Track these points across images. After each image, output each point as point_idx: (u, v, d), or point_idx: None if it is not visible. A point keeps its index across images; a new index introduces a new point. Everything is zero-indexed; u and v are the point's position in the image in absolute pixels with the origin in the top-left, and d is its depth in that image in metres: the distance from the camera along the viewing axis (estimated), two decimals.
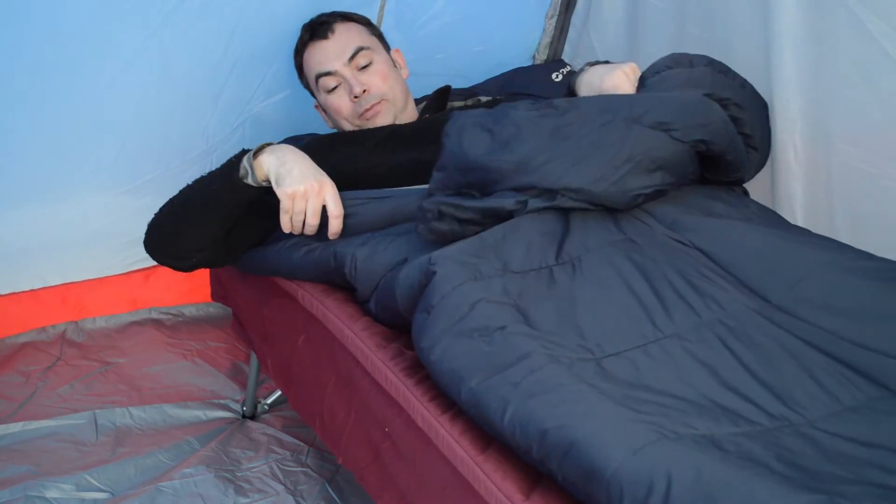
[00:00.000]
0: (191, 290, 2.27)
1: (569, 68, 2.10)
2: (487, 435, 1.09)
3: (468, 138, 1.30)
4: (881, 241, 1.45)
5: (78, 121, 1.81)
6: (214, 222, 1.51)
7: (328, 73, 1.67)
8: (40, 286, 2.10)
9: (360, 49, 1.66)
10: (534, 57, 2.25)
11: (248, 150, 1.46)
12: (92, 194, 1.96)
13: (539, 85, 1.91)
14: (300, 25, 1.82)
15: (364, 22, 1.75)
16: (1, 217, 1.90)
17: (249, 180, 1.44)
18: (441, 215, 1.27)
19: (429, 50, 1.79)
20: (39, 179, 1.88)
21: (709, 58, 1.50)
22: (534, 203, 1.27)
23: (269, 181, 1.44)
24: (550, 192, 1.27)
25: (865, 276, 1.17)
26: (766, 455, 0.91)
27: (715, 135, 1.33)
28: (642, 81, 1.48)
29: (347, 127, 1.69)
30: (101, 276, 2.15)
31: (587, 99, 1.36)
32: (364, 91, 1.64)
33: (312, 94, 1.78)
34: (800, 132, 1.60)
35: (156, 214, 1.58)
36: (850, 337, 1.09)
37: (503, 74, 2.09)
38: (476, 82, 2.07)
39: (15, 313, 2.09)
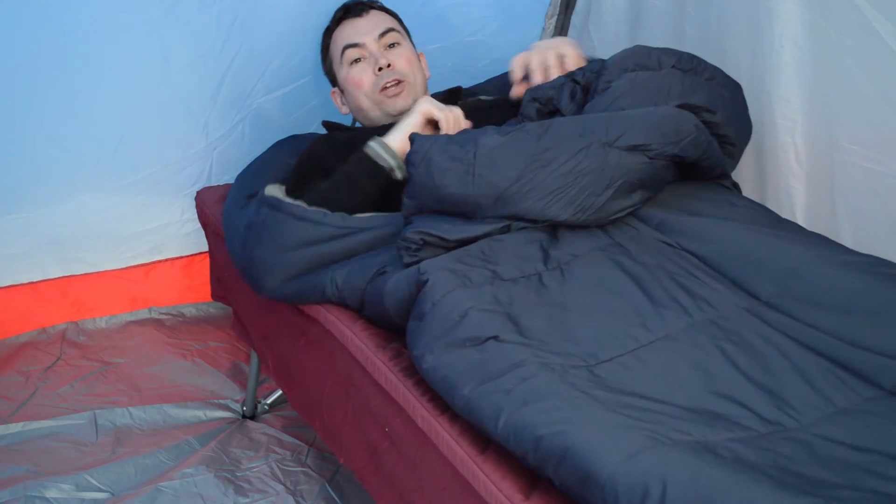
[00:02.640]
0: (190, 287, 2.27)
1: None
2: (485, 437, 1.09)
3: (438, 171, 1.28)
4: (885, 240, 1.45)
5: (77, 115, 1.81)
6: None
7: (356, 45, 1.70)
8: (40, 278, 2.10)
9: (390, 29, 1.72)
10: None
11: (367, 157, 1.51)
12: (91, 189, 1.96)
13: None
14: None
15: (397, 16, 1.80)
16: (1, 211, 1.90)
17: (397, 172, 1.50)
18: (425, 244, 1.27)
19: (422, 42, 1.80)
20: (39, 174, 1.88)
21: (676, 54, 1.46)
22: (517, 226, 1.28)
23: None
24: (533, 221, 1.28)
25: (852, 269, 1.17)
26: (761, 462, 0.91)
27: (689, 148, 1.33)
28: (606, 80, 1.44)
29: (365, 103, 1.70)
30: (100, 270, 2.15)
31: (560, 121, 1.33)
32: (388, 66, 1.67)
33: (331, 80, 1.79)
34: (801, 132, 1.59)
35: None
36: (840, 335, 1.09)
37: (503, 75, 2.08)
38: (473, 78, 2.07)
39: (15, 307, 2.10)
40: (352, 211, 1.45)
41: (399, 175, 1.49)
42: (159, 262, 2.22)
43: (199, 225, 1.95)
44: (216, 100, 1.92)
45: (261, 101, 1.97)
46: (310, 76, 1.97)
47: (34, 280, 2.10)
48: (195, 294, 2.29)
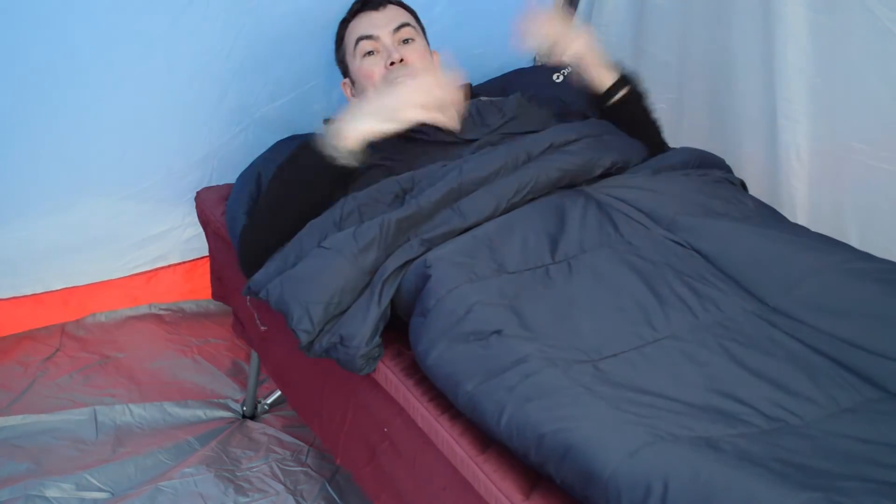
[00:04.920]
0: (192, 290, 2.27)
1: (570, 69, 2.08)
2: (487, 435, 1.09)
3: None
4: (894, 239, 1.45)
5: (81, 125, 1.81)
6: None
7: (370, 37, 1.69)
8: (42, 290, 2.10)
9: (406, 24, 1.71)
10: (535, 59, 2.25)
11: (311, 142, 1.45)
12: (94, 199, 1.96)
13: (540, 86, 1.90)
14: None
15: (414, 13, 1.80)
16: (3, 222, 1.90)
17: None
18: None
19: None
20: (42, 184, 1.88)
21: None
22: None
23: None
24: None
25: (863, 277, 1.17)
26: (764, 455, 0.91)
27: None
28: None
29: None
30: (102, 279, 2.15)
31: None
32: (401, 60, 1.66)
33: (343, 71, 1.79)
34: (804, 131, 1.60)
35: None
36: (847, 339, 1.09)
37: (504, 75, 2.08)
38: (473, 78, 2.07)
39: (16, 315, 2.09)
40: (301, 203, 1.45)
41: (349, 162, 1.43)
42: (161, 268, 2.22)
43: (199, 229, 1.95)
44: (220, 109, 1.92)
45: (264, 110, 1.97)
46: (314, 81, 1.97)
47: (37, 292, 2.10)
48: (196, 297, 2.29)
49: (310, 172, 1.45)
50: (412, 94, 1.43)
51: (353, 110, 1.45)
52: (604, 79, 1.61)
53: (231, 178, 1.96)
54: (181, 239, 2.15)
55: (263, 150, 1.86)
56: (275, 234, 1.45)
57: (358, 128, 1.42)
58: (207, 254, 1.98)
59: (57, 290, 2.12)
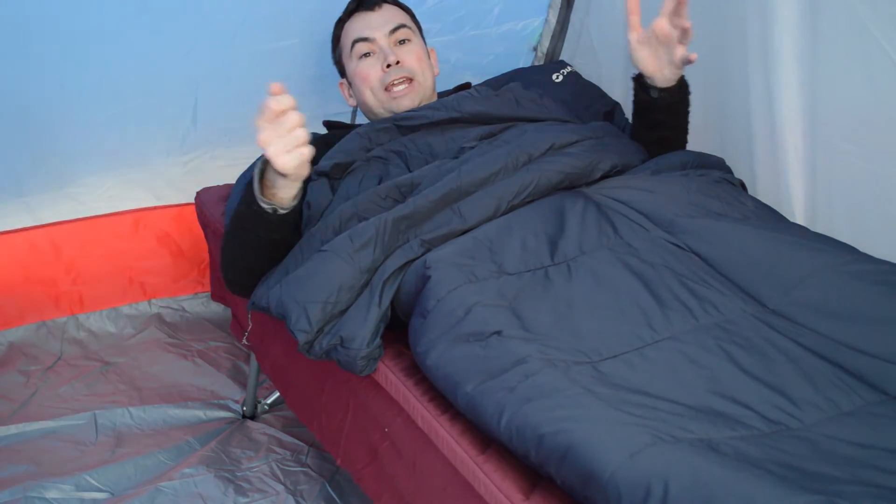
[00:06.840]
0: (184, 272, 2.27)
1: (570, 69, 2.09)
2: (487, 435, 1.09)
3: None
4: (881, 239, 1.45)
5: (60, 44, 1.78)
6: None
7: (366, 39, 1.70)
8: (32, 224, 2.07)
9: (402, 25, 1.72)
10: (535, 49, 2.25)
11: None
12: (75, 121, 1.92)
13: (539, 85, 1.91)
14: None
15: (410, 12, 1.80)
16: None
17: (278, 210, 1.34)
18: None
19: (426, 35, 1.81)
20: (23, 104, 1.85)
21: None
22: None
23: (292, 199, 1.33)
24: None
25: (862, 279, 1.17)
26: (764, 458, 0.91)
27: None
28: None
29: (371, 99, 1.70)
30: (87, 215, 2.12)
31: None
32: (397, 63, 1.67)
33: (340, 71, 1.80)
34: (801, 130, 1.60)
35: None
36: (847, 341, 1.09)
37: (504, 75, 2.09)
38: (477, 73, 2.08)
39: (8, 260, 2.07)
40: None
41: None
42: (148, 209, 2.18)
43: (186, 170, 1.96)
44: (199, 34, 1.88)
45: (248, 49, 1.93)
46: (296, 38, 1.95)
47: (26, 226, 2.07)
48: (188, 263, 2.26)
49: (253, 233, 1.38)
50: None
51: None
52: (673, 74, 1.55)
53: (217, 123, 1.99)
54: (166, 176, 2.12)
55: (251, 92, 1.82)
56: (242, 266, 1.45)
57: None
58: (194, 200, 1.95)
59: (46, 227, 2.08)
